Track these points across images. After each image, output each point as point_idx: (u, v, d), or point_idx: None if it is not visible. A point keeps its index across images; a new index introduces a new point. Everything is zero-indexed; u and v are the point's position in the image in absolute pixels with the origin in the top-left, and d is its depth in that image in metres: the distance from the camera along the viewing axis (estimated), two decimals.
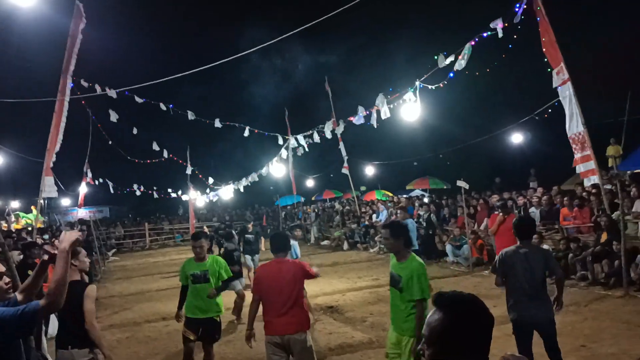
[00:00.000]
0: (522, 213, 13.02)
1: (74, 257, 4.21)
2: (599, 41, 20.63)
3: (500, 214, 10.20)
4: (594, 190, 11.45)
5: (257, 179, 20.28)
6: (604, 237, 10.28)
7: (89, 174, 20.47)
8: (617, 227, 9.25)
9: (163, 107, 14.26)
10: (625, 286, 8.78)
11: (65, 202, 36.78)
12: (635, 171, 12.47)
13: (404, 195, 23.56)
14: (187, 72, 11.56)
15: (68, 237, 2.85)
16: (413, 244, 9.64)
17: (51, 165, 12.10)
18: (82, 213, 27.03)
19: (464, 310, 1.64)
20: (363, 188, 23.30)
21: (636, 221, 10.02)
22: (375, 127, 12.27)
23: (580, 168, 9.51)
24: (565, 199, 12.09)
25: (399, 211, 13.81)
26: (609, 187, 11.08)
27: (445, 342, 1.61)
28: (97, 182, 21.61)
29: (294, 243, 8.61)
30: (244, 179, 20.99)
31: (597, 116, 12.67)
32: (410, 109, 10.69)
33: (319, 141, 15.98)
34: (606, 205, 10.30)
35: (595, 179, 9.40)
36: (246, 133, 16.98)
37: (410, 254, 4.41)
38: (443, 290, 1.74)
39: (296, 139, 17.51)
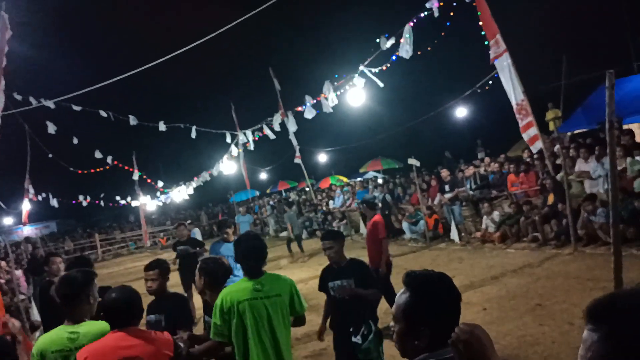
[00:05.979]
0: (471, 184, 13.36)
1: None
2: (532, 8, 21.27)
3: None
4: (537, 155, 11.85)
5: (208, 178, 19.84)
6: (550, 198, 10.68)
7: (31, 190, 19.49)
8: (562, 187, 9.63)
9: (103, 114, 13.67)
10: (573, 243, 9.18)
11: (8, 220, 35.01)
12: (574, 132, 12.98)
13: (358, 179, 23.73)
14: (123, 75, 11.09)
15: None
16: None
17: None
18: (28, 230, 25.84)
19: (431, 289, 1.67)
20: (311, 181, 23.15)
21: (579, 180, 10.45)
22: (329, 113, 12.09)
23: (526, 135, 9.78)
24: (512, 165, 12.47)
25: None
26: (553, 149, 11.50)
27: (412, 320, 1.65)
28: (40, 197, 20.62)
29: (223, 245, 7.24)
30: (195, 178, 20.51)
31: (535, 83, 13.09)
32: (357, 94, 10.63)
33: (269, 135, 15.72)
34: (550, 168, 10.68)
35: (539, 144, 9.70)
36: (193, 134, 16.50)
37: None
38: (411, 270, 1.75)
39: (244, 134, 17.17)
